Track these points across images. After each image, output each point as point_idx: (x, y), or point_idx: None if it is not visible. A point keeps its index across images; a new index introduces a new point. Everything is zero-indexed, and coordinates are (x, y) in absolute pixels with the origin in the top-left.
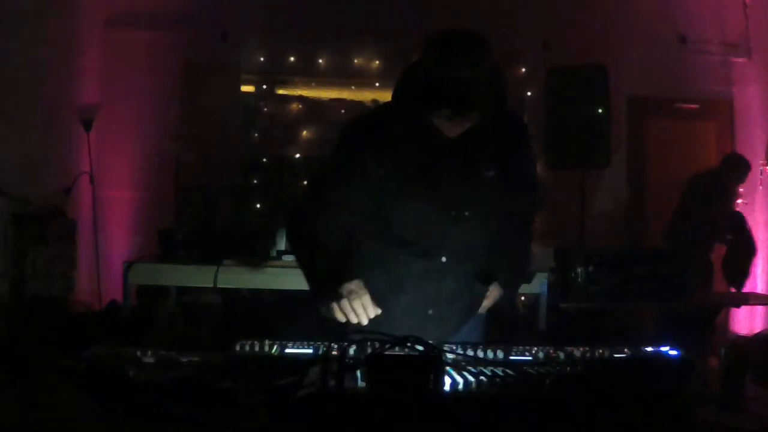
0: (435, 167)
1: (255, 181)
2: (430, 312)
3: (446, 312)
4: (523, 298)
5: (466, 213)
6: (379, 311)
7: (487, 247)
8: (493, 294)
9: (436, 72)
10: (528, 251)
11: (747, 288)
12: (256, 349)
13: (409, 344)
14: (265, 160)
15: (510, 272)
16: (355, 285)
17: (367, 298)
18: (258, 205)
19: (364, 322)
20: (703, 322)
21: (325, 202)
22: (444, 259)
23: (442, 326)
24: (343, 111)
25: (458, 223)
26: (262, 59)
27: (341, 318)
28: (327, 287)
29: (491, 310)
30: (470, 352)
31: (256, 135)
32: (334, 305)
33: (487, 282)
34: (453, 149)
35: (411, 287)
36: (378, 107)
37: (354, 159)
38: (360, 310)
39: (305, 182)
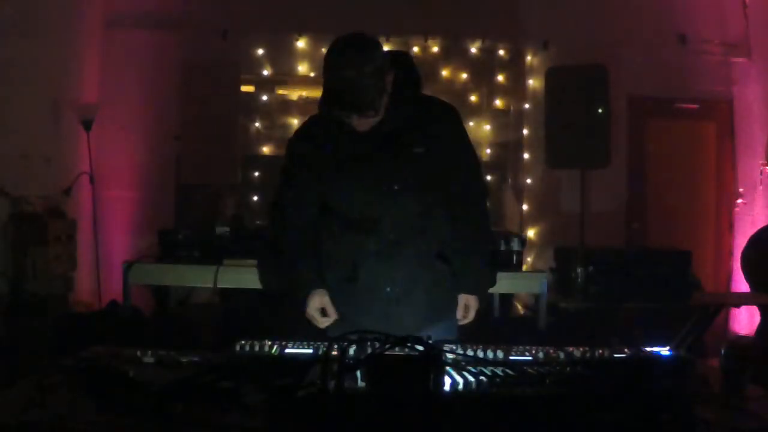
0: (356, 158)
1: (255, 181)
2: (389, 289)
3: (408, 290)
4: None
5: (401, 190)
6: (333, 317)
7: (427, 222)
8: (469, 304)
9: (327, 80)
10: (485, 250)
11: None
12: (256, 349)
13: (409, 344)
14: (265, 159)
15: (472, 276)
16: (314, 298)
17: (318, 309)
18: (258, 205)
19: (323, 326)
20: (703, 322)
21: (285, 208)
22: (392, 235)
23: (408, 305)
24: None
25: (394, 199)
26: (262, 59)
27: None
28: (297, 299)
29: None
30: (470, 352)
31: (256, 135)
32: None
33: (440, 259)
34: (366, 141)
35: (367, 266)
36: (310, 117)
37: (297, 163)
38: (316, 320)
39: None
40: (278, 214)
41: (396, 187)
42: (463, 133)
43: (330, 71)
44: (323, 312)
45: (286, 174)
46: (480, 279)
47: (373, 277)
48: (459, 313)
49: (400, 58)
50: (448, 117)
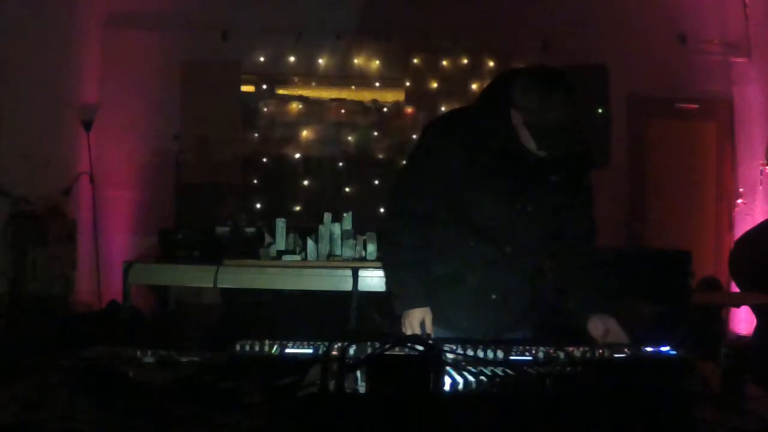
0: (517, 173)
1: (255, 181)
2: (494, 297)
3: (509, 300)
4: None
5: (533, 212)
6: (431, 334)
7: (542, 244)
8: (609, 326)
9: (536, 120)
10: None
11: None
12: (256, 349)
13: (409, 344)
14: (265, 159)
15: (604, 299)
16: (418, 312)
17: (419, 324)
18: (258, 205)
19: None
20: (703, 322)
21: (405, 203)
22: (509, 249)
23: (503, 313)
24: (343, 111)
25: (524, 220)
26: (262, 59)
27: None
28: (399, 305)
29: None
30: (470, 352)
31: (256, 135)
32: (402, 320)
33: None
34: (513, 159)
35: (479, 271)
36: (463, 109)
37: (432, 158)
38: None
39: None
40: (397, 208)
41: (529, 209)
42: (591, 173)
43: (549, 113)
44: (422, 325)
45: (414, 165)
46: (609, 300)
47: (482, 283)
48: (599, 333)
49: None
50: (587, 156)
